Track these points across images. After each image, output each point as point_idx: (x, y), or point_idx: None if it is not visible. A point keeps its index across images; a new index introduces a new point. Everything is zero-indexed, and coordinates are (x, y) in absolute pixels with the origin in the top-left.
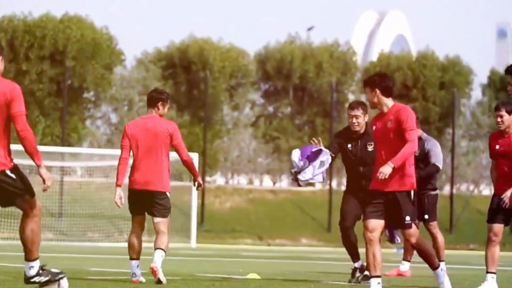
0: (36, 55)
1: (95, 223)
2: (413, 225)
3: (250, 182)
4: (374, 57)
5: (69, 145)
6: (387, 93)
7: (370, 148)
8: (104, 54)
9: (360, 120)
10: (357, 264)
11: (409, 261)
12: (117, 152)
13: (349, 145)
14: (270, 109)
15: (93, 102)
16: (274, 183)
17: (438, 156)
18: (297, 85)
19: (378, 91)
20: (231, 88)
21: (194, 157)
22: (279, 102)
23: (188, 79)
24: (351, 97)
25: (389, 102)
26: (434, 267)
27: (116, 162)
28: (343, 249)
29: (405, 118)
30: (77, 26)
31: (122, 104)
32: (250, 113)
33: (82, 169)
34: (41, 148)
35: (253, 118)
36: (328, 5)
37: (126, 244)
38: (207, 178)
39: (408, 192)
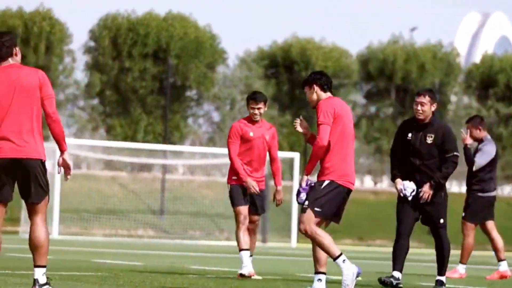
0: (139, 53)
1: (196, 221)
2: (309, 211)
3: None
4: (477, 59)
5: (171, 143)
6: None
7: (429, 140)
8: (207, 53)
9: (425, 108)
10: (395, 274)
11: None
12: (219, 150)
13: (410, 134)
14: (372, 109)
15: (195, 100)
16: (375, 184)
17: (482, 156)
18: (400, 86)
19: (316, 87)
20: (333, 88)
21: (296, 156)
22: (381, 102)
23: (290, 78)
24: (454, 99)
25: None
26: (333, 257)
27: (218, 161)
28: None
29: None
30: (181, 25)
31: (224, 103)
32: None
33: (183, 167)
34: (143, 146)
35: (354, 119)
36: (431, 6)
37: (226, 243)
38: None
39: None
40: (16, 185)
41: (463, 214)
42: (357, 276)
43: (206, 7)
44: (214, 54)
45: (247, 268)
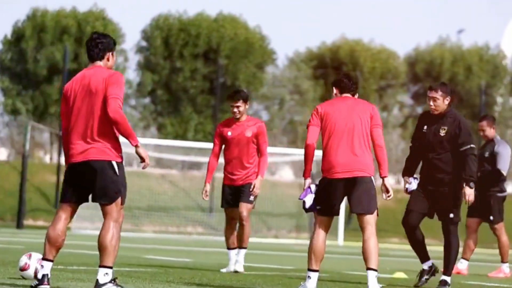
0: (190, 53)
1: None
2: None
3: (398, 182)
4: None
5: None
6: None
7: (442, 133)
8: (257, 53)
9: (438, 103)
10: (425, 266)
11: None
12: (268, 149)
13: (425, 127)
14: (419, 110)
15: None
16: None
17: (505, 161)
18: None
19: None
20: (381, 89)
21: None
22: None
23: None
24: (500, 100)
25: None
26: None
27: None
28: (487, 250)
29: None
30: (231, 25)
31: (273, 102)
32: (399, 114)
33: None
34: (193, 144)
35: (402, 119)
36: (478, 8)
37: (274, 240)
38: None
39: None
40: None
41: (491, 218)
42: None
43: (256, 8)
44: (263, 54)
45: (233, 265)
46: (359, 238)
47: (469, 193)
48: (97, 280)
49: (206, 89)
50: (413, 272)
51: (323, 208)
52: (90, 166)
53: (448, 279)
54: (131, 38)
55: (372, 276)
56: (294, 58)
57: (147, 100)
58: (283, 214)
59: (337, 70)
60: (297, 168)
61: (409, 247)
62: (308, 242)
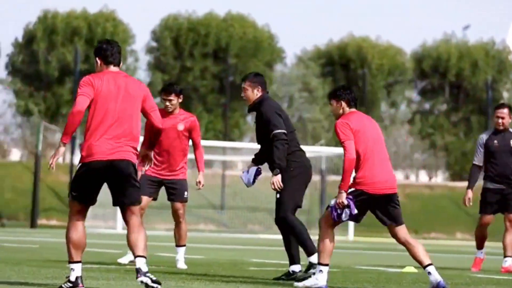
0: (200, 53)
1: (255, 215)
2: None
3: (407, 177)
4: None
5: (231, 140)
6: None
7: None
8: (265, 52)
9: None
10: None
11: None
12: None
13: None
14: (426, 106)
15: None
16: (430, 178)
17: None
18: (453, 83)
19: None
20: (389, 85)
21: None
22: (435, 99)
23: (346, 76)
24: (506, 95)
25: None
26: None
27: None
28: (497, 244)
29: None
30: (240, 25)
31: (283, 100)
32: (406, 110)
33: (243, 163)
34: (204, 143)
35: (409, 115)
36: (484, 4)
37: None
38: None
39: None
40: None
41: None
42: None
43: (264, 7)
44: (272, 53)
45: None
46: (368, 233)
47: None
48: (139, 268)
49: (216, 88)
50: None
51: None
52: (118, 166)
53: None
54: (141, 38)
55: (432, 269)
56: (302, 56)
57: (157, 100)
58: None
59: (345, 68)
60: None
61: (419, 241)
62: (317, 237)
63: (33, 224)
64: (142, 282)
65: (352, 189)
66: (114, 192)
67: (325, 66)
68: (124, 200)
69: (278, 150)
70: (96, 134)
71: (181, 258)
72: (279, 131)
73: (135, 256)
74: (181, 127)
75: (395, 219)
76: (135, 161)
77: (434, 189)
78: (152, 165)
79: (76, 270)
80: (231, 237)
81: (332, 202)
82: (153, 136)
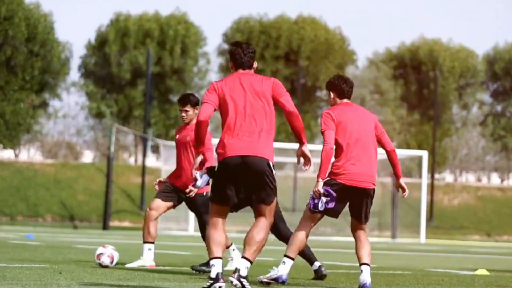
0: (271, 55)
1: (326, 218)
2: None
3: (478, 179)
4: None
5: None
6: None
7: None
8: (337, 54)
9: None
10: None
11: None
12: None
13: None
14: (498, 108)
15: (325, 100)
16: (502, 181)
17: None
18: None
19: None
20: (460, 87)
21: (424, 155)
22: (507, 101)
23: (418, 78)
24: None
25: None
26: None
27: None
28: None
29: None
30: (311, 27)
31: (354, 102)
32: (478, 112)
33: (314, 165)
34: (275, 145)
35: (481, 117)
36: None
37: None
38: (436, 175)
39: None
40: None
41: None
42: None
43: (336, 9)
44: (343, 55)
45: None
46: (440, 235)
47: None
48: (238, 269)
49: (287, 90)
50: (494, 269)
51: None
52: (251, 162)
53: None
54: (212, 41)
55: (366, 269)
56: (374, 59)
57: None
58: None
59: (417, 70)
60: (379, 167)
61: (488, 244)
62: (389, 240)
63: (105, 226)
64: (231, 282)
65: (328, 178)
66: (246, 190)
67: (397, 69)
68: (253, 198)
69: None
70: (229, 132)
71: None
72: None
73: (242, 257)
74: (189, 137)
75: (362, 217)
76: (271, 158)
77: (506, 191)
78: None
79: (217, 266)
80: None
81: (311, 193)
82: (290, 123)
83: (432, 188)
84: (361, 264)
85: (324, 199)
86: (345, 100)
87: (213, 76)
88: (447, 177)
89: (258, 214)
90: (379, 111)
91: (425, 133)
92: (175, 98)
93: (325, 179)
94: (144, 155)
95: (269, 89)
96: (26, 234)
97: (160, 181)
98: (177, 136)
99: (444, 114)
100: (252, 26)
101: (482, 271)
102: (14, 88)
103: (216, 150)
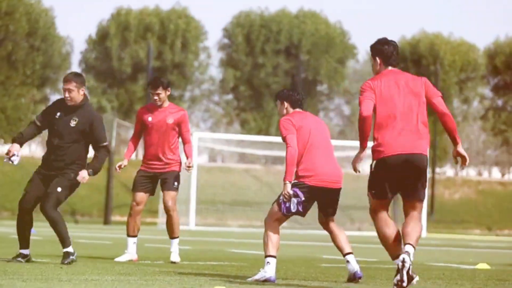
0: (272, 49)
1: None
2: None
3: (479, 174)
4: None
5: None
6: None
7: None
8: (337, 48)
9: None
10: None
11: None
12: (350, 143)
13: None
14: (499, 102)
15: (326, 94)
16: (502, 175)
17: None
18: None
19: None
20: (461, 81)
21: None
22: (508, 95)
23: (418, 72)
24: None
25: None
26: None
27: (348, 153)
28: None
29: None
30: (312, 21)
31: (354, 96)
32: (479, 106)
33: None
34: (276, 139)
35: (482, 111)
36: None
37: (357, 233)
38: (437, 170)
39: None
40: None
41: None
42: (355, 279)
43: (336, 3)
44: (344, 49)
45: (128, 254)
46: (441, 229)
47: None
48: (409, 252)
49: (288, 84)
50: (495, 264)
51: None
52: (413, 160)
53: None
54: (213, 35)
55: (351, 258)
56: None
57: (229, 96)
58: (366, 207)
59: (417, 64)
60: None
61: (489, 238)
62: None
63: (106, 221)
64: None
65: (295, 181)
66: (405, 187)
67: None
68: (410, 195)
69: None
70: (386, 131)
71: (175, 250)
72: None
73: (405, 244)
74: (170, 120)
75: (330, 214)
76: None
77: (507, 186)
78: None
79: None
80: (304, 233)
81: (281, 197)
82: (443, 123)
83: (433, 182)
84: (345, 255)
85: (295, 200)
86: (297, 109)
87: (214, 70)
88: (448, 171)
89: (411, 209)
90: None
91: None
92: (176, 92)
93: (292, 182)
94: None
95: (422, 88)
96: None
97: (120, 166)
98: (150, 119)
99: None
100: (253, 20)
101: (483, 265)
102: (15, 83)
103: (373, 148)
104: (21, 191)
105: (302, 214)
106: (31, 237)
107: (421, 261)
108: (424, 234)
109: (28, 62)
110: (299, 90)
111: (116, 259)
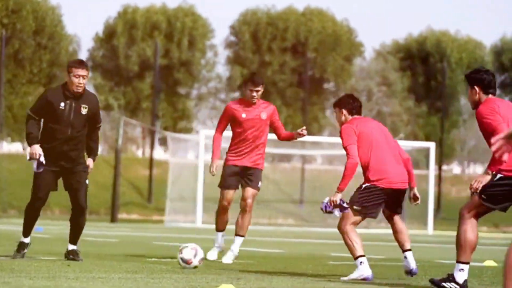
0: (279, 47)
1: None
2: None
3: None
4: None
5: (310, 134)
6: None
7: None
8: (344, 46)
9: None
10: None
11: None
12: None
13: None
14: (506, 100)
15: (333, 92)
16: None
17: None
18: None
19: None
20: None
21: (432, 146)
22: None
23: (425, 70)
24: None
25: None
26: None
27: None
28: None
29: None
30: (318, 19)
31: (361, 94)
32: None
33: (322, 157)
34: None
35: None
36: None
37: (364, 230)
38: (444, 167)
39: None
40: None
41: None
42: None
43: (343, 1)
44: (351, 47)
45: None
46: (448, 227)
47: None
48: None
49: (294, 82)
50: (502, 261)
51: (371, 211)
52: None
53: None
54: (220, 33)
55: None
56: (381, 50)
57: (236, 94)
58: None
59: (424, 61)
60: None
61: (496, 235)
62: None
63: (113, 219)
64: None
65: (367, 184)
66: None
67: (404, 60)
68: None
69: None
70: None
71: (235, 249)
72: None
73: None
74: (264, 116)
75: (398, 212)
76: None
77: None
78: (233, 155)
79: (465, 272)
80: (311, 231)
81: (326, 199)
82: None
83: (439, 179)
84: (404, 251)
85: (337, 210)
86: (355, 116)
87: (221, 68)
88: (455, 168)
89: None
90: (386, 102)
91: (433, 125)
92: (183, 90)
93: (363, 186)
94: (152, 147)
95: None
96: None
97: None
98: (244, 116)
99: (451, 106)
100: (260, 18)
101: (490, 262)
102: (22, 81)
103: (496, 166)
104: (28, 190)
105: (374, 217)
106: (37, 235)
107: (428, 259)
108: (431, 231)
109: (35, 60)
110: (356, 97)
111: (208, 256)
